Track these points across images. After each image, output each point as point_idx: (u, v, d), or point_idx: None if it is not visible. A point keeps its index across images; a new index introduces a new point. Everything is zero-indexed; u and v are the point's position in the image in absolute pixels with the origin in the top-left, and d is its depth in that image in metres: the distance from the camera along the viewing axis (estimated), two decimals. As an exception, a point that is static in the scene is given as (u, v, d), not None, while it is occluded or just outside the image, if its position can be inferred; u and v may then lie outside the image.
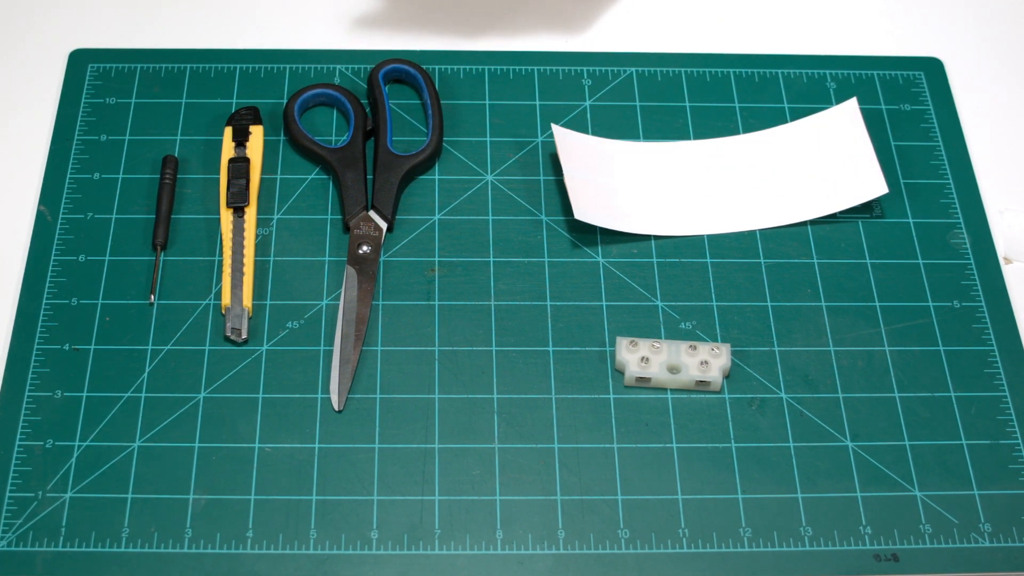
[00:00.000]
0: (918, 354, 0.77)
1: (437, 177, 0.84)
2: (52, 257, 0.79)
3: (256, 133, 0.84)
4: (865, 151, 0.84)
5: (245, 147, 0.83)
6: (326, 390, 0.75)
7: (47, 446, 0.73)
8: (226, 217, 0.80)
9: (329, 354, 0.76)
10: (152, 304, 0.78)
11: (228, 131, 0.84)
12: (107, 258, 0.79)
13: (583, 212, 0.80)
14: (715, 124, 0.87)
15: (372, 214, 0.81)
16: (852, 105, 0.85)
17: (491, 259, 0.80)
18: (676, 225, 0.82)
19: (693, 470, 0.73)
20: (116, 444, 0.73)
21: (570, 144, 0.84)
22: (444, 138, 0.85)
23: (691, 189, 0.83)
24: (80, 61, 0.88)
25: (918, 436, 0.75)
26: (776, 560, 0.70)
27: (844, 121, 0.85)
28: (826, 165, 0.84)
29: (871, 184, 0.82)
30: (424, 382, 0.76)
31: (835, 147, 0.84)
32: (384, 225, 0.81)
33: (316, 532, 0.71)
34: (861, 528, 0.72)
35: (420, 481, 0.72)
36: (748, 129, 0.86)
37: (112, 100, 0.86)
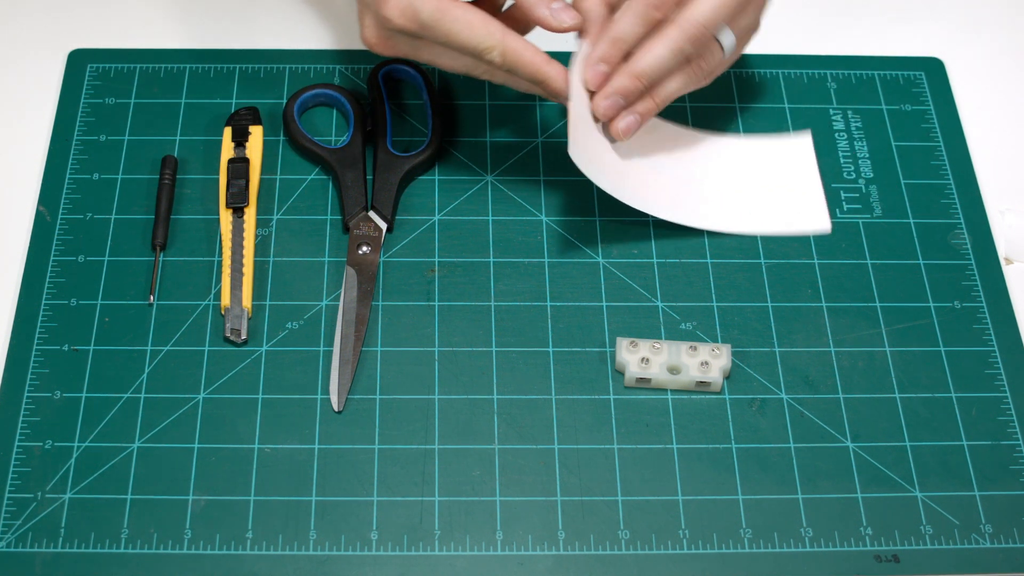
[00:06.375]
0: (919, 355, 0.77)
1: (437, 177, 0.84)
2: (51, 257, 0.79)
3: (256, 133, 0.84)
4: (813, 186, 0.83)
5: (245, 147, 0.83)
6: (326, 391, 0.75)
7: (46, 447, 0.73)
8: (226, 217, 0.80)
9: (329, 354, 0.76)
10: (151, 305, 0.78)
11: (228, 131, 0.84)
12: (106, 258, 0.79)
13: (576, 151, 0.76)
14: (715, 124, 0.86)
15: (372, 214, 0.81)
16: (806, 139, 0.85)
17: (491, 259, 0.80)
18: (644, 202, 0.80)
19: (693, 471, 0.73)
20: (115, 445, 0.73)
21: (580, 86, 0.79)
22: (444, 138, 0.85)
23: (664, 172, 0.82)
24: (79, 61, 0.88)
25: (919, 437, 0.75)
26: (776, 561, 0.70)
27: (795, 153, 0.85)
28: (772, 188, 0.83)
29: (816, 219, 0.82)
30: (424, 383, 0.75)
31: (783, 175, 0.84)
32: (384, 225, 0.81)
33: (316, 533, 0.70)
34: (862, 529, 0.71)
35: (420, 482, 0.72)
36: (748, 129, 0.86)
37: (111, 100, 0.86)
